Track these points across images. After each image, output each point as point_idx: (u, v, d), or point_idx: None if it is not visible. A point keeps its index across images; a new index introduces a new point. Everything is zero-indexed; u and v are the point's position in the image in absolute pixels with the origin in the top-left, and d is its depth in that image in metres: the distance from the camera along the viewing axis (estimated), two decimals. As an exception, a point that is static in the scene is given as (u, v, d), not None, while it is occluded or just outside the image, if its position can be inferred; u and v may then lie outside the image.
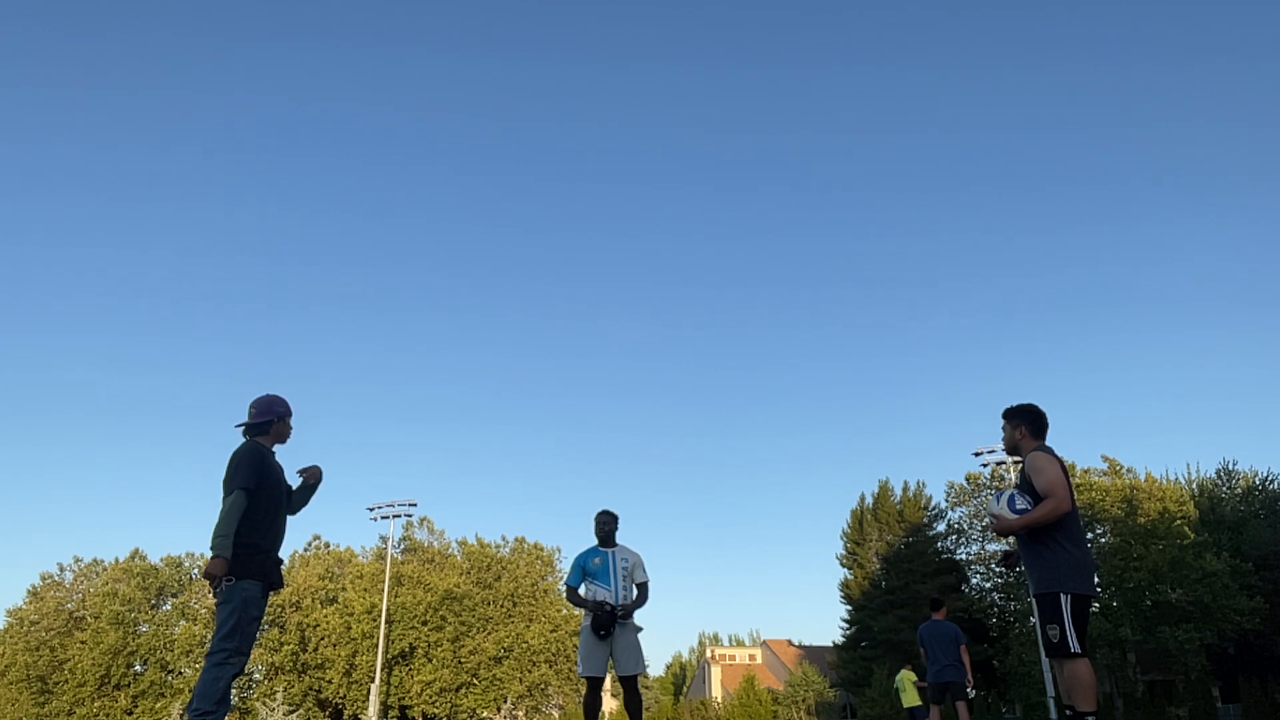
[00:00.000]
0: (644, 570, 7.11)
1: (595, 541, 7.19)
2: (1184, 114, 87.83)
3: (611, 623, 6.68)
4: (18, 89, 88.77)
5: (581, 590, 6.97)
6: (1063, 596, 4.61)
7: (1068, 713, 4.65)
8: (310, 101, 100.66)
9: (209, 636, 45.14)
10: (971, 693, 10.76)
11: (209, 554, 4.69)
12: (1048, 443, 5.11)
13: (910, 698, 15.04)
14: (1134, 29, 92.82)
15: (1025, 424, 5.12)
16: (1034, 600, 4.76)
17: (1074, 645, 4.54)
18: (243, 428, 5.20)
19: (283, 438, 5.30)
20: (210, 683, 4.56)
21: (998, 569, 42.61)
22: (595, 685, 6.80)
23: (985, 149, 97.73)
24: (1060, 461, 4.90)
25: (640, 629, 6.96)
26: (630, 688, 6.86)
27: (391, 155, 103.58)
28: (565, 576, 7.21)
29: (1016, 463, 36.46)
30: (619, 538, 7.19)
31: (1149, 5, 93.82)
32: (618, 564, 7.03)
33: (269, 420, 5.17)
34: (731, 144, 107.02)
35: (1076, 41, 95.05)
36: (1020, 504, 4.84)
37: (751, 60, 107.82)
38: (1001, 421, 5.25)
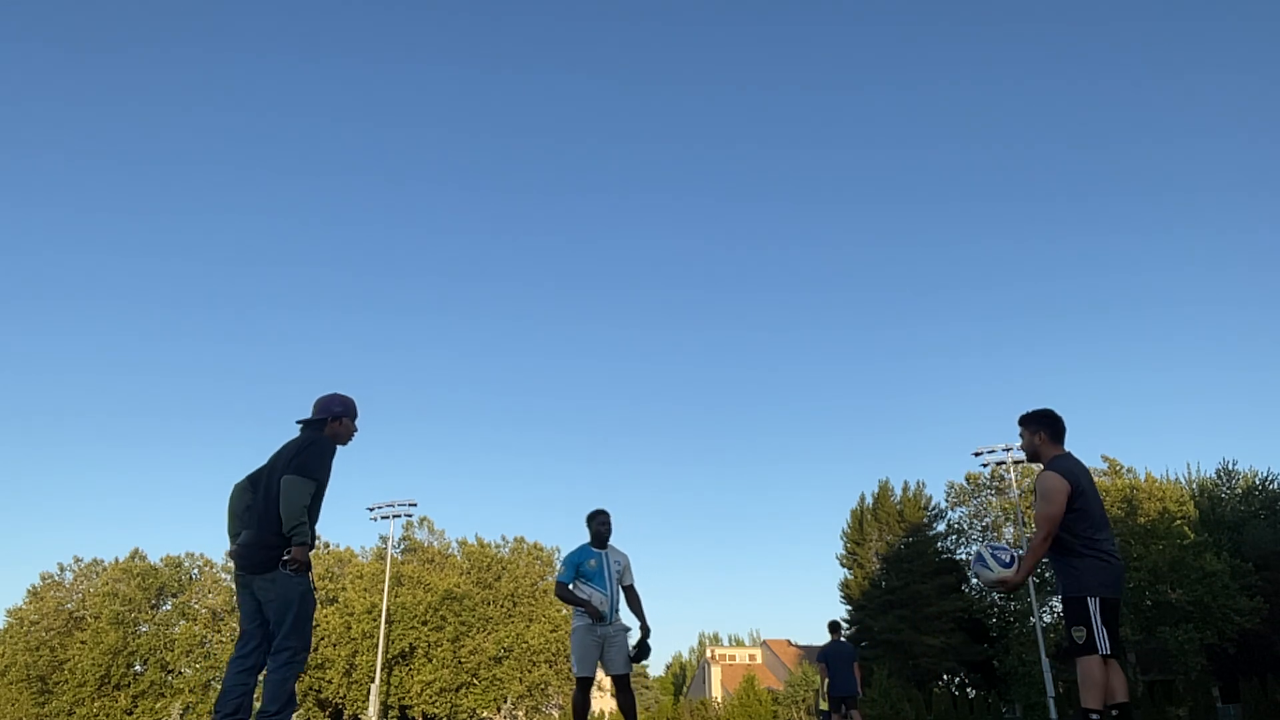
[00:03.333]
0: (631, 573, 7.08)
1: (587, 539, 7.09)
2: (1183, 121, 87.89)
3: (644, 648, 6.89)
4: (17, 104, 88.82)
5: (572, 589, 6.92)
6: (1090, 600, 4.72)
7: (1114, 712, 4.72)
8: (311, 110, 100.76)
9: (208, 637, 44.76)
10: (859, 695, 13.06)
11: (292, 541, 4.51)
12: (1066, 446, 5.12)
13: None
14: (1134, 38, 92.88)
15: (1044, 429, 5.10)
16: (1062, 603, 4.86)
17: (1103, 647, 4.66)
18: (301, 423, 5.09)
19: (340, 438, 5.09)
20: (280, 683, 4.42)
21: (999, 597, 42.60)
22: (586, 685, 6.72)
23: (986, 156, 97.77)
24: (1068, 471, 4.87)
25: (629, 629, 6.92)
26: (623, 687, 6.79)
27: (392, 159, 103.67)
28: (557, 573, 7.10)
29: (1017, 463, 36.73)
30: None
31: (1147, 13, 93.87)
32: (611, 566, 6.97)
33: (324, 419, 5.04)
34: (733, 153, 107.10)
35: (1079, 51, 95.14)
36: (1004, 555, 5.01)
37: (756, 72, 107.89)
38: (1019, 429, 5.24)
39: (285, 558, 4.55)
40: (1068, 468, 4.87)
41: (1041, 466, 5.09)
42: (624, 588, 6.98)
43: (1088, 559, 4.76)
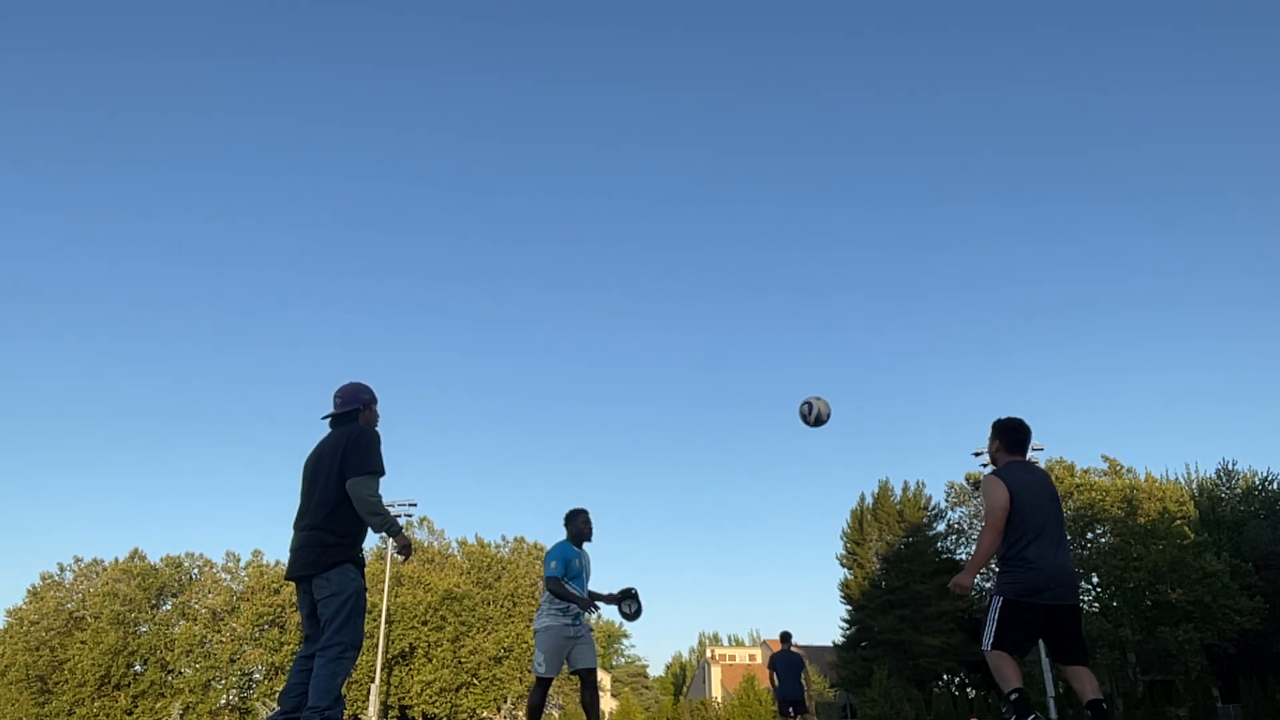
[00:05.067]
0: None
1: (565, 536, 6.97)
2: (1182, 122, 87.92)
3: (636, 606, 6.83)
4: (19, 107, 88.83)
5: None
6: (993, 599, 4.95)
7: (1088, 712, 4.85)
8: (312, 113, 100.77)
9: (208, 637, 44.74)
10: (810, 704, 13.97)
11: (389, 539, 4.80)
12: (1029, 455, 5.27)
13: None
14: (1134, 39, 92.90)
15: (1001, 438, 5.21)
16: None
17: (986, 643, 4.87)
18: (329, 418, 5.02)
19: (372, 425, 5.06)
20: (329, 679, 4.39)
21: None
22: (548, 685, 6.61)
23: (986, 159, 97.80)
24: (1009, 477, 4.97)
25: (592, 629, 6.93)
26: (590, 684, 6.66)
27: (393, 161, 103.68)
28: (549, 568, 6.84)
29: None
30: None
31: (1148, 14, 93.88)
32: (588, 567, 6.96)
33: (356, 409, 4.98)
34: (734, 155, 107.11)
35: (1079, 54, 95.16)
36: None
37: (755, 75, 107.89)
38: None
39: (396, 549, 4.82)
40: (1010, 474, 5.00)
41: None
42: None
43: (1008, 564, 4.92)
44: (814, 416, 6.81)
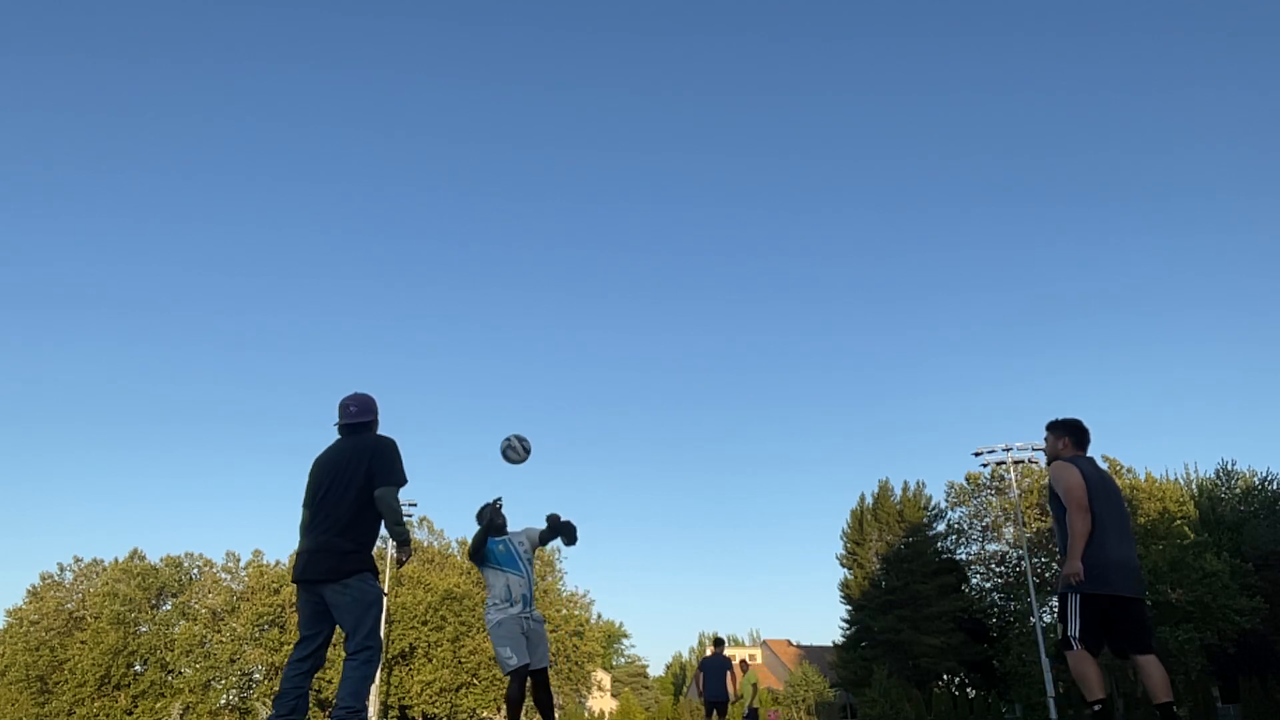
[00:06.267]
0: (535, 531, 6.66)
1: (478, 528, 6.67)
2: (1182, 124, 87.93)
3: (499, 520, 6.36)
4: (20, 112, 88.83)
5: (490, 576, 6.52)
6: (1070, 597, 4.82)
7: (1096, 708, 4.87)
8: (314, 117, 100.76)
9: (208, 637, 44.54)
10: (732, 704, 14.96)
11: (395, 545, 4.97)
12: (1089, 454, 5.38)
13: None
14: (1135, 40, 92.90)
15: (1069, 436, 5.36)
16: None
17: (1072, 641, 4.78)
18: (344, 426, 5.03)
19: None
20: (360, 681, 4.55)
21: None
22: (524, 676, 6.28)
23: (985, 160, 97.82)
24: (1083, 465, 5.13)
25: (544, 620, 6.62)
26: (543, 684, 6.45)
27: (395, 165, 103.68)
28: (476, 545, 6.54)
29: (1017, 463, 36.67)
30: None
31: (1148, 15, 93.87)
32: (518, 549, 6.59)
33: (371, 420, 5.07)
34: (734, 159, 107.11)
35: (1079, 56, 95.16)
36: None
37: (757, 78, 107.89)
38: (1047, 434, 5.47)
39: (402, 557, 5.01)
40: (1081, 462, 5.16)
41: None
42: (542, 539, 6.63)
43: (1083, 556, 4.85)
44: (516, 453, 6.40)
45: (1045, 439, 5.46)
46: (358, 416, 5.04)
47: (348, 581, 4.61)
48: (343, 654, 4.64)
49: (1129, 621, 4.81)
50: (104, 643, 45.95)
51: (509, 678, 6.27)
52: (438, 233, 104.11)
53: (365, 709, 4.54)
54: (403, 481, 4.79)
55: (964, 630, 44.07)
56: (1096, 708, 4.72)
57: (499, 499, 6.51)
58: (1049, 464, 5.44)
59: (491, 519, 6.42)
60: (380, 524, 4.86)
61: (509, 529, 6.62)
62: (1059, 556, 5.05)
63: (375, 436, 4.98)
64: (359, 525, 4.72)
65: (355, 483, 4.72)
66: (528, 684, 6.35)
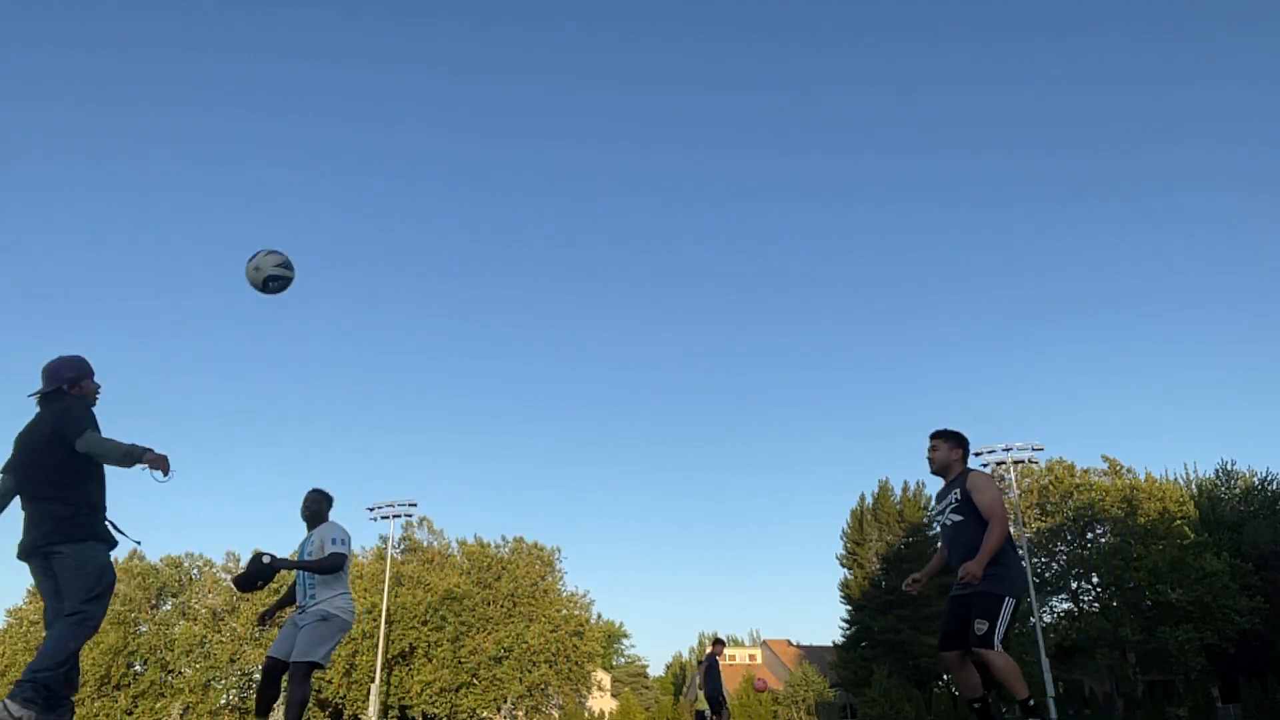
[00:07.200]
0: (329, 544, 6.30)
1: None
2: (1182, 122, 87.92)
3: (264, 573, 5.89)
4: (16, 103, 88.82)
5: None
6: (1007, 601, 4.95)
7: (976, 704, 5.23)
8: (313, 111, 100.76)
9: (208, 637, 44.62)
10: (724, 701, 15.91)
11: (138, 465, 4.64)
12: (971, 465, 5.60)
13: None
14: (1135, 40, 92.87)
15: (962, 447, 5.49)
16: (973, 596, 4.98)
17: (997, 644, 4.91)
18: (40, 397, 4.89)
19: (88, 400, 4.94)
20: (61, 640, 4.33)
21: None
22: (274, 670, 6.12)
23: (985, 159, 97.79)
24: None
25: (326, 617, 6.24)
26: (297, 678, 6.07)
27: (395, 160, 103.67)
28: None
29: (1016, 463, 36.71)
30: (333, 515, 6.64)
31: (1149, 16, 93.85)
32: (304, 549, 6.39)
33: (58, 388, 4.85)
34: (733, 155, 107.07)
35: (1079, 54, 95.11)
36: None
37: (755, 74, 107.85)
38: (936, 441, 5.49)
39: (152, 461, 4.63)
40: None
41: (963, 471, 5.39)
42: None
43: (1010, 563, 5.05)
44: (262, 279, 5.71)
45: (934, 447, 5.47)
46: (46, 386, 4.88)
47: (72, 546, 4.49)
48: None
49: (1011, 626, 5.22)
50: (104, 643, 45.96)
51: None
52: (437, 231, 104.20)
53: (56, 670, 4.27)
54: (88, 428, 4.59)
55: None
56: (1032, 702, 5.01)
57: (270, 558, 6.07)
58: (936, 472, 5.48)
59: (250, 568, 6.01)
60: (96, 486, 4.68)
61: (329, 520, 6.52)
62: (966, 553, 5.04)
63: (58, 404, 4.78)
64: (69, 489, 4.58)
65: (48, 451, 4.59)
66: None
